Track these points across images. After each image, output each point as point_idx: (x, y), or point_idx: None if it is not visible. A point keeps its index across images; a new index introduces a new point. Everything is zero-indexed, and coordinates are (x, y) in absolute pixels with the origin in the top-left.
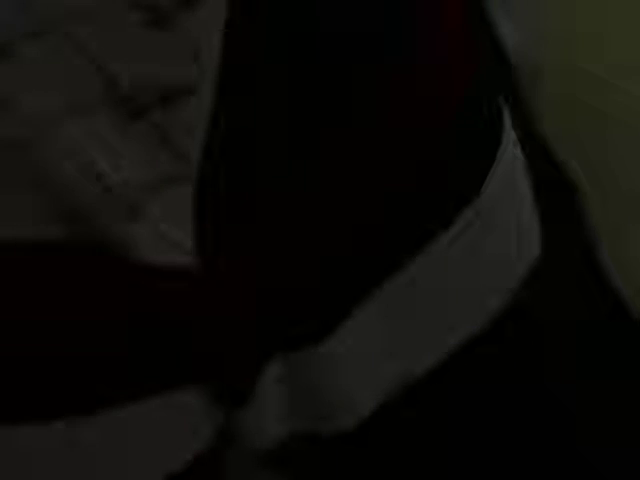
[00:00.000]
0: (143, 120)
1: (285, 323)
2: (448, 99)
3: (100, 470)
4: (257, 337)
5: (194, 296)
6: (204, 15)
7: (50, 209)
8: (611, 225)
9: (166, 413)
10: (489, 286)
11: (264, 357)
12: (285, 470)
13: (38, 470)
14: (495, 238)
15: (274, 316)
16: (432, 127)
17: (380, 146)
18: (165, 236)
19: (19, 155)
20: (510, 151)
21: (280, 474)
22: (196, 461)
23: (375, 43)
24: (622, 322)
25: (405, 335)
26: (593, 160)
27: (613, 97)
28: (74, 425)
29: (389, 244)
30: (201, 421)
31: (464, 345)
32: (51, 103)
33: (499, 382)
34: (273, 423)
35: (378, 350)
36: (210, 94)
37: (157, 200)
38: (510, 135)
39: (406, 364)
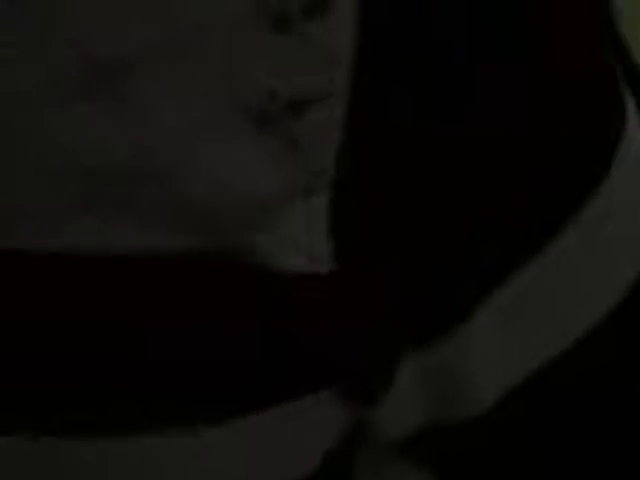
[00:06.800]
0: (273, 129)
1: (417, 319)
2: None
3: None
4: (390, 337)
5: (329, 303)
6: (334, 21)
7: (182, 220)
8: None
9: (296, 418)
10: (618, 269)
11: (398, 354)
12: (423, 459)
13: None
14: (620, 221)
15: (408, 314)
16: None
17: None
18: (298, 244)
19: (157, 181)
20: (633, 132)
21: (418, 464)
22: (325, 462)
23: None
24: None
25: (532, 326)
26: None
27: None
28: (198, 434)
29: (514, 235)
30: (330, 423)
31: (590, 333)
32: (187, 119)
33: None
34: (410, 412)
35: (507, 338)
36: (343, 102)
37: (289, 209)
38: (632, 115)
39: (532, 353)
